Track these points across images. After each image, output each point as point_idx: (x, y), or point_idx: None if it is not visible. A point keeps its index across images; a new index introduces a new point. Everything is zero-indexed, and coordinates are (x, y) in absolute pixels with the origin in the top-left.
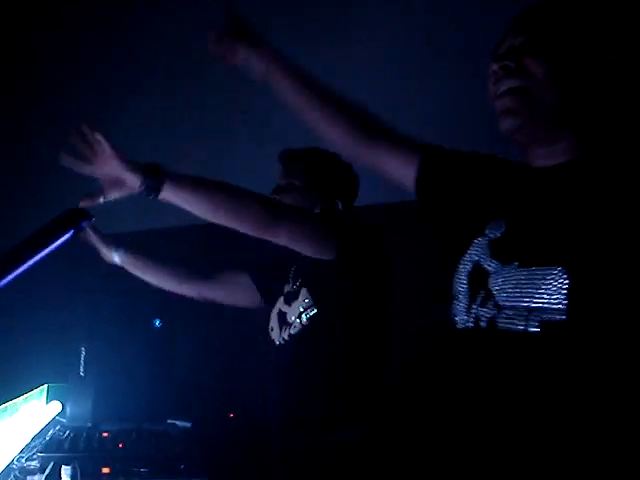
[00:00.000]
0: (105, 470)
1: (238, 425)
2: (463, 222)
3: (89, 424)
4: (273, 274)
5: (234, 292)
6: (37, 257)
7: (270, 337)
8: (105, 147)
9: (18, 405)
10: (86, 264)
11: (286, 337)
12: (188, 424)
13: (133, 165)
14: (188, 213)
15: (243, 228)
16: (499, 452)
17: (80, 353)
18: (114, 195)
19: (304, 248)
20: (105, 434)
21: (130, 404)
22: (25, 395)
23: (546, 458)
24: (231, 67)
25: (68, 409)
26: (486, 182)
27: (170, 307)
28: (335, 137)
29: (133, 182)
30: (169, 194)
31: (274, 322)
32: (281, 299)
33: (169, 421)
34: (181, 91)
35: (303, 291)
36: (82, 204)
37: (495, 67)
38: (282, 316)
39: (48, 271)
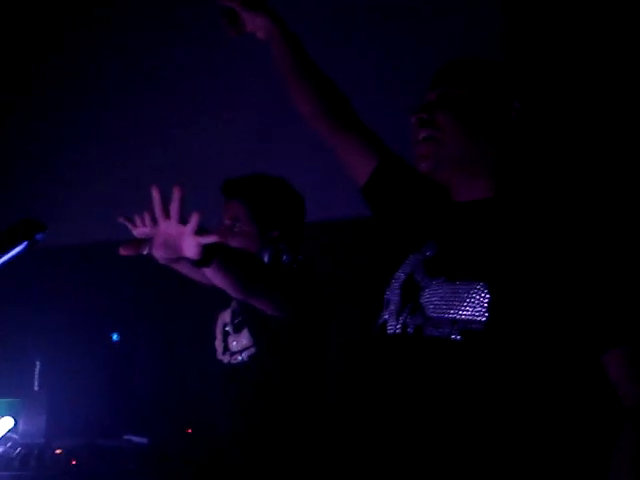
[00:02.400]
0: None
1: (196, 441)
2: (397, 235)
3: (42, 440)
4: None
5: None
6: None
7: (214, 345)
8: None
9: None
10: (42, 275)
11: (228, 361)
12: (145, 440)
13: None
14: None
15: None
16: (420, 449)
17: (35, 367)
18: (160, 254)
19: (266, 309)
20: (58, 451)
21: (86, 419)
22: None
23: (462, 454)
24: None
25: (21, 425)
26: (424, 204)
27: (128, 321)
28: (309, 115)
29: (190, 254)
30: (209, 270)
31: (218, 332)
32: (228, 312)
33: (125, 437)
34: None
35: (245, 331)
36: (123, 252)
37: (413, 119)
38: (225, 336)
39: (1, 282)
